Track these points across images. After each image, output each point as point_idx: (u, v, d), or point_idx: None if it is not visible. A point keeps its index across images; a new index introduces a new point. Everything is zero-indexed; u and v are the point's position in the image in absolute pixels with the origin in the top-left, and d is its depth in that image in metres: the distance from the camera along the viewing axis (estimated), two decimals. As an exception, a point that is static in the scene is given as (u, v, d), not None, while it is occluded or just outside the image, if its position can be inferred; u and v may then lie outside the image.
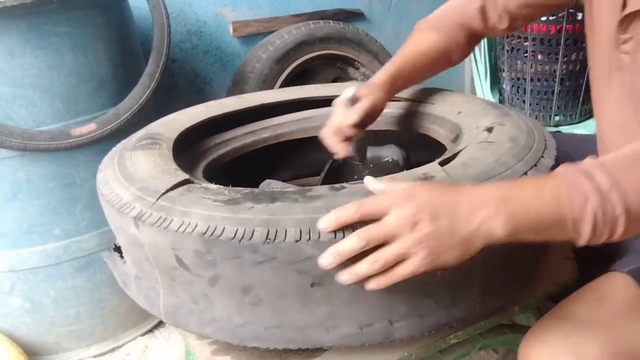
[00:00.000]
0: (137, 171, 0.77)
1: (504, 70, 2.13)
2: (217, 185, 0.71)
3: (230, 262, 0.62)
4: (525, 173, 0.71)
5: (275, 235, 0.60)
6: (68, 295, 1.37)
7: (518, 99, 2.12)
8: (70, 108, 1.23)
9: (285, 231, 0.60)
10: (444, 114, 0.98)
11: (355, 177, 1.00)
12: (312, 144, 0.96)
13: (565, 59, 1.95)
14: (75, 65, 1.22)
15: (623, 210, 0.56)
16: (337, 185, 0.68)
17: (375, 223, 0.58)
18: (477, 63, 2.27)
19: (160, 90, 1.37)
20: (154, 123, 0.98)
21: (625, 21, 0.74)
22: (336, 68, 1.94)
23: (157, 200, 0.68)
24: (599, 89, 0.86)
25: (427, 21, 1.03)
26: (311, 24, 1.82)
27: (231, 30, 1.93)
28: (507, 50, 2.06)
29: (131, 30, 1.40)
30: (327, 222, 0.59)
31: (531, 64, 2.01)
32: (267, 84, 1.72)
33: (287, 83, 1.76)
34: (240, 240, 0.60)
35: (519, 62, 2.04)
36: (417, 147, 1.08)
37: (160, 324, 1.55)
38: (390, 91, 0.96)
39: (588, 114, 2.10)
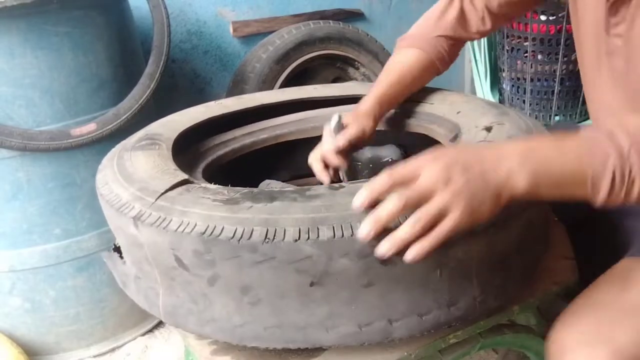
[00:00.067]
0: (137, 171, 0.77)
1: (504, 70, 2.14)
2: (216, 185, 0.71)
3: (230, 262, 0.62)
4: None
5: (274, 235, 0.60)
6: (68, 295, 1.37)
7: (518, 99, 2.12)
8: (70, 108, 1.24)
9: (284, 230, 0.60)
10: (444, 114, 0.98)
11: (355, 176, 1.00)
12: (312, 144, 0.96)
13: (565, 59, 1.95)
14: (75, 65, 1.22)
15: None
16: (336, 185, 0.68)
17: (410, 185, 0.58)
18: (477, 63, 2.27)
19: (160, 90, 1.37)
20: (154, 123, 0.98)
21: (616, 4, 0.75)
22: (336, 68, 1.94)
23: (156, 200, 0.68)
24: (590, 76, 0.87)
25: (408, 37, 1.03)
26: (311, 24, 1.82)
27: (231, 30, 1.93)
28: (507, 50, 2.06)
29: (131, 30, 1.41)
30: (360, 198, 0.59)
31: (531, 64, 2.01)
32: (267, 84, 1.72)
33: (287, 83, 1.76)
34: (239, 240, 0.60)
35: (519, 62, 2.04)
36: (416, 147, 1.08)
37: (160, 324, 1.55)
38: (378, 116, 0.97)
39: (588, 114, 2.09)
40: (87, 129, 1.23)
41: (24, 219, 1.27)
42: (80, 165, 1.28)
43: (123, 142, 0.91)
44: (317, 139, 0.95)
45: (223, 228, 0.61)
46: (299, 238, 0.60)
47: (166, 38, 1.35)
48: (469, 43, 2.25)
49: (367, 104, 0.96)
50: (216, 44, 1.93)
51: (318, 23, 1.84)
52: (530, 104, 2.09)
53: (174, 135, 0.91)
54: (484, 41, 2.20)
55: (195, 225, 0.63)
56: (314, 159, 0.93)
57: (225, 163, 1.03)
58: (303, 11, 2.03)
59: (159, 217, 0.65)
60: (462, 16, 0.98)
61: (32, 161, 1.23)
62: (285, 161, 1.17)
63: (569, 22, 1.90)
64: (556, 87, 2.01)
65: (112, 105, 1.28)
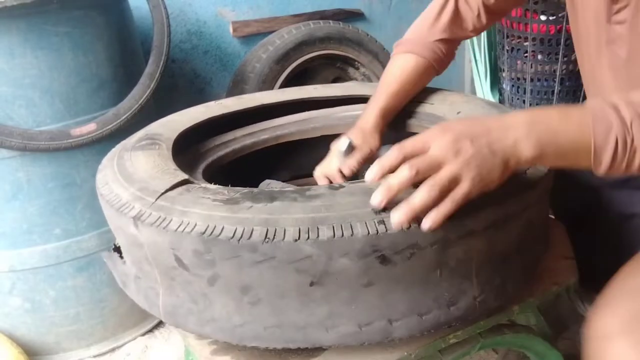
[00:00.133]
0: (137, 171, 0.77)
1: (504, 70, 2.13)
2: (216, 185, 0.71)
3: (229, 262, 0.62)
4: (525, 172, 0.72)
5: (274, 235, 0.60)
6: (68, 295, 1.37)
7: (518, 99, 2.12)
8: (70, 108, 1.24)
9: (284, 230, 0.60)
10: (444, 114, 0.98)
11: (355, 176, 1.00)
12: (312, 145, 0.96)
13: (565, 59, 1.95)
14: (75, 65, 1.22)
15: None
16: (336, 185, 0.68)
17: (421, 155, 0.59)
18: (477, 63, 2.27)
19: (160, 90, 1.37)
20: (154, 123, 0.98)
21: None
22: (336, 68, 1.94)
23: (156, 200, 0.68)
24: (589, 67, 0.88)
25: (405, 43, 1.03)
26: (311, 24, 1.82)
27: (231, 30, 1.93)
28: (507, 50, 2.06)
29: (131, 30, 1.41)
30: (372, 173, 0.59)
31: (531, 64, 2.01)
32: (267, 84, 1.72)
33: (287, 83, 1.76)
34: (239, 240, 0.60)
35: (519, 62, 2.04)
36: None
37: (160, 324, 1.55)
38: (383, 130, 0.99)
39: (588, 114, 2.10)
40: (87, 129, 1.24)
41: (24, 219, 1.27)
42: (80, 165, 1.28)
43: (123, 142, 0.92)
44: (317, 140, 0.96)
45: (223, 228, 0.61)
46: (299, 238, 0.60)
47: (166, 38, 1.35)
48: (469, 43, 2.25)
49: (371, 120, 0.97)
50: (216, 44, 1.93)
51: (318, 23, 1.84)
52: (530, 104, 2.09)
53: (174, 135, 0.91)
54: (484, 41, 2.20)
55: (195, 225, 0.63)
56: (320, 175, 0.95)
57: (226, 164, 1.03)
58: (303, 11, 2.03)
59: (159, 217, 0.65)
60: (457, 16, 0.98)
61: (32, 161, 1.23)
62: (285, 161, 1.17)
63: (568, 22, 1.90)
64: (556, 87, 2.01)
65: (112, 105, 1.28)
